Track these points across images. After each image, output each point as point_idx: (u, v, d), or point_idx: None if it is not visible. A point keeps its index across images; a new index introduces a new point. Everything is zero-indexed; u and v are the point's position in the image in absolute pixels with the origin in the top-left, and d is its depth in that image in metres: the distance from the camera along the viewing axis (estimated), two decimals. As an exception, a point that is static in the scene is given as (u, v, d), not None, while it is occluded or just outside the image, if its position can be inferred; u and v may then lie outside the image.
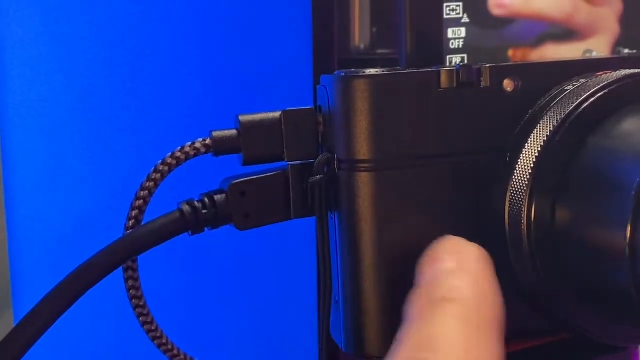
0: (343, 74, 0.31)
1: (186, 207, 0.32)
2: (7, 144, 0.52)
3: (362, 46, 0.51)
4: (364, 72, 0.31)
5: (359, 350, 0.32)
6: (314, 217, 0.32)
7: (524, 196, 0.30)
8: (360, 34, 0.51)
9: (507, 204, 0.31)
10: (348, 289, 0.32)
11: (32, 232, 0.53)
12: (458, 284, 0.28)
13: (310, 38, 0.56)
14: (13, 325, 0.30)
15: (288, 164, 0.32)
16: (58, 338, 0.55)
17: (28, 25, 0.52)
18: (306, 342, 0.64)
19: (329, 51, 0.53)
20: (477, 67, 0.32)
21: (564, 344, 0.34)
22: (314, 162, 0.32)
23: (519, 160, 0.31)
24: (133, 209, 0.32)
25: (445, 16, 0.36)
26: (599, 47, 0.40)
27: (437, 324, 0.26)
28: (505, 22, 0.39)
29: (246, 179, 0.32)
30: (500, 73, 0.32)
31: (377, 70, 0.31)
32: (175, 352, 0.34)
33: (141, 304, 0.33)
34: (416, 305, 0.28)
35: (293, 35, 0.59)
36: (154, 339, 0.34)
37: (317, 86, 0.33)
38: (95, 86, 0.54)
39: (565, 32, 0.40)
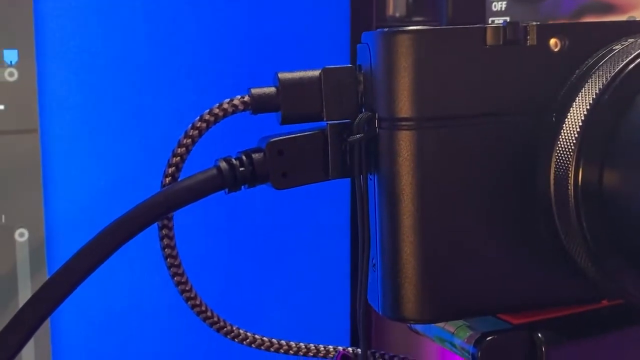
0: (386, 30, 0.30)
1: (223, 164, 0.31)
2: (47, 103, 0.52)
3: (397, 14, 0.51)
4: (407, 28, 0.30)
5: (396, 313, 0.31)
6: (350, 180, 0.31)
7: (571, 157, 0.29)
8: (395, 2, 0.51)
9: (553, 165, 0.29)
10: (387, 252, 0.31)
11: (69, 186, 0.53)
12: None
13: (348, 5, 0.55)
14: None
15: (327, 123, 0.31)
16: (88, 297, 0.55)
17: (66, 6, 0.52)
18: (338, 307, 0.63)
19: (367, 19, 0.52)
20: (524, 24, 0.30)
21: (608, 310, 0.32)
22: (353, 122, 0.31)
23: (566, 121, 0.29)
24: (170, 166, 0.31)
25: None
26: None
27: None
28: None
29: (284, 137, 0.31)
30: (547, 32, 0.31)
31: (421, 26, 0.30)
32: (209, 313, 0.34)
33: (176, 263, 0.32)
34: None
35: (332, 3, 0.58)
36: (187, 299, 0.33)
37: (358, 45, 0.32)
38: (131, 39, 0.54)
39: (604, 6, 0.39)
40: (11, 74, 0.50)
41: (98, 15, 0.53)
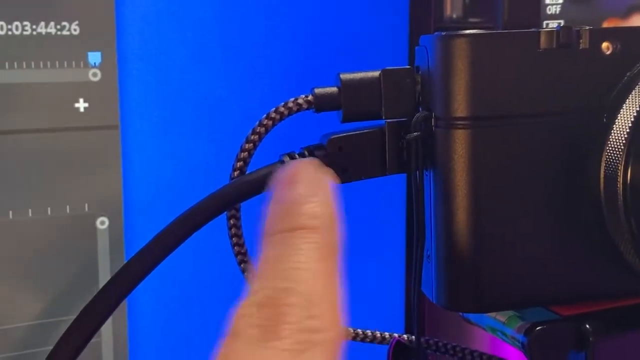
0: (444, 34, 0.30)
1: (287, 159, 0.31)
2: (127, 101, 0.53)
3: (454, 15, 0.50)
4: (464, 32, 0.29)
5: (450, 303, 0.31)
6: (406, 175, 0.31)
7: (620, 156, 0.28)
8: (452, 4, 0.50)
9: (603, 163, 0.29)
10: (441, 244, 0.30)
11: (146, 178, 0.54)
12: (318, 211, 0.24)
13: (407, 7, 0.55)
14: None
15: (385, 122, 0.31)
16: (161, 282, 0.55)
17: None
18: (393, 297, 0.63)
19: (425, 20, 0.52)
20: (577, 29, 0.30)
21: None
22: (410, 120, 0.31)
23: (616, 121, 0.29)
24: (238, 160, 0.31)
25: (543, -19, 0.34)
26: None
27: (299, 254, 0.23)
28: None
29: (345, 134, 0.31)
30: (599, 35, 0.30)
31: (477, 30, 0.30)
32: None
33: (242, 250, 0.33)
34: (277, 228, 0.24)
35: (391, 5, 0.57)
36: (253, 284, 0.33)
37: (416, 47, 0.32)
38: (205, 44, 0.54)
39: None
40: (95, 75, 0.51)
41: (174, 20, 0.53)
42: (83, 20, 0.50)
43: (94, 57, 0.50)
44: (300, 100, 0.31)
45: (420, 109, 0.31)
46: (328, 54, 0.57)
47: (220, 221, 0.32)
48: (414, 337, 0.33)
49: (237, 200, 0.31)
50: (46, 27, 0.49)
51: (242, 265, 0.33)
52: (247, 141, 0.31)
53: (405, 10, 0.55)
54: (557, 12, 0.35)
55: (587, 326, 0.31)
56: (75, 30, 0.50)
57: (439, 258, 0.30)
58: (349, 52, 0.57)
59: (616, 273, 0.30)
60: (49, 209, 0.51)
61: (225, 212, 0.31)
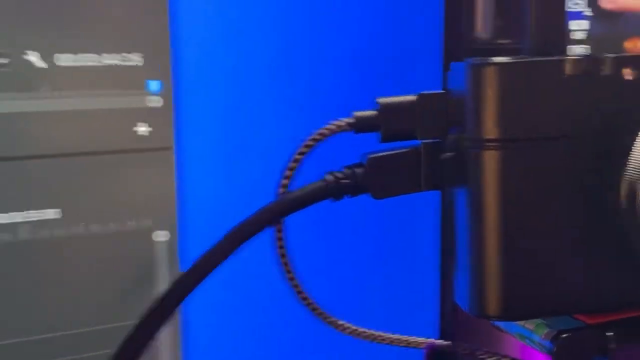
0: (473, 62, 0.31)
1: (330, 177, 0.32)
2: (182, 125, 0.55)
3: (484, 37, 0.51)
4: (492, 60, 0.31)
5: (481, 311, 0.32)
6: (440, 191, 0.33)
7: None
8: (482, 26, 0.50)
9: (624, 183, 0.30)
10: (473, 257, 0.31)
11: (199, 195, 0.57)
12: None
13: (441, 31, 0.56)
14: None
15: (421, 142, 0.33)
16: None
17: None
18: (429, 305, 0.64)
19: (457, 43, 0.52)
20: (600, 56, 0.31)
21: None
22: (444, 141, 0.32)
23: (636, 143, 0.30)
24: (284, 178, 0.33)
25: (568, 9, 0.35)
26: None
27: None
28: (618, 15, 0.38)
29: (383, 154, 0.33)
30: (620, 62, 0.31)
31: (505, 58, 0.31)
32: (316, 306, 0.35)
33: (287, 262, 0.34)
34: None
35: (425, 29, 0.59)
36: (298, 292, 0.35)
37: (448, 72, 0.33)
38: (252, 72, 0.57)
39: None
40: (154, 101, 0.54)
41: (225, 53, 0.56)
42: (144, 52, 0.53)
43: (154, 86, 0.53)
44: (341, 123, 0.33)
45: (454, 130, 0.32)
46: (367, 75, 0.58)
47: (267, 234, 0.33)
48: (449, 342, 0.34)
49: (282, 215, 0.32)
50: (111, 58, 0.52)
51: (287, 275, 0.34)
52: (293, 160, 0.33)
53: (438, 33, 0.56)
54: (583, 37, 0.36)
55: (611, 334, 0.31)
56: (139, 62, 0.53)
57: (471, 270, 0.32)
58: (385, 74, 0.59)
59: (638, 284, 0.31)
60: (111, 223, 0.54)
61: (273, 227, 0.33)
